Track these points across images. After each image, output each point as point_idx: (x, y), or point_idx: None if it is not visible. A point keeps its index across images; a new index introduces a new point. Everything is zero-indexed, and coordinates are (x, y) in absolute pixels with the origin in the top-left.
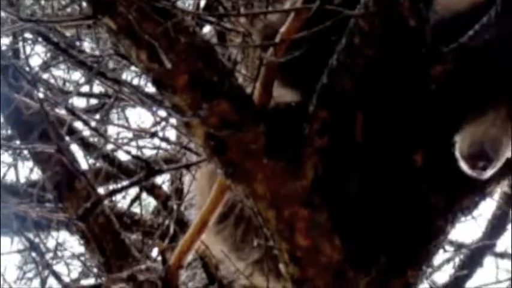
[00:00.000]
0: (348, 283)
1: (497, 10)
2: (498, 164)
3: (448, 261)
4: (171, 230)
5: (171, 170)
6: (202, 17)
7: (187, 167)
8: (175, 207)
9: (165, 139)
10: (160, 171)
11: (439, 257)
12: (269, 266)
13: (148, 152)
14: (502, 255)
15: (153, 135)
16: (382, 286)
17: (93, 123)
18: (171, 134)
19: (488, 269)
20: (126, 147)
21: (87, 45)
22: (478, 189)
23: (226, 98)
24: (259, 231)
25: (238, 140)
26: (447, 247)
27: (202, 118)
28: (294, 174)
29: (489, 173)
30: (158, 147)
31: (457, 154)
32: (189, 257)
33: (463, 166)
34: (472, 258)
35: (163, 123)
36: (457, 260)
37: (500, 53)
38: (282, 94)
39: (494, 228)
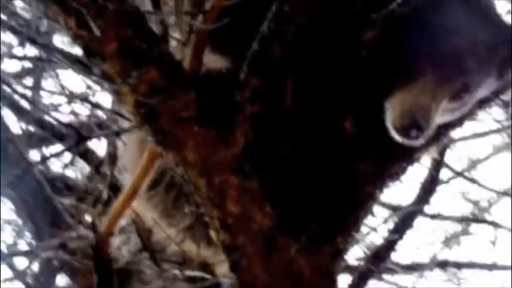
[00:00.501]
0: (278, 250)
1: None
2: (429, 132)
3: (383, 222)
4: (104, 196)
5: (100, 136)
6: None
7: (118, 133)
8: (108, 172)
9: (96, 104)
10: (89, 138)
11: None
12: (200, 233)
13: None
14: (433, 216)
15: (85, 100)
16: (312, 252)
17: (22, 88)
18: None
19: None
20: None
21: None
22: (407, 156)
23: (155, 65)
24: (190, 198)
25: (168, 108)
26: (380, 210)
27: (132, 86)
28: (224, 141)
29: (420, 141)
30: (91, 113)
31: (388, 124)
32: (121, 223)
33: (395, 135)
34: (404, 221)
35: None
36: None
37: (428, 20)
38: (213, 61)
39: (425, 192)
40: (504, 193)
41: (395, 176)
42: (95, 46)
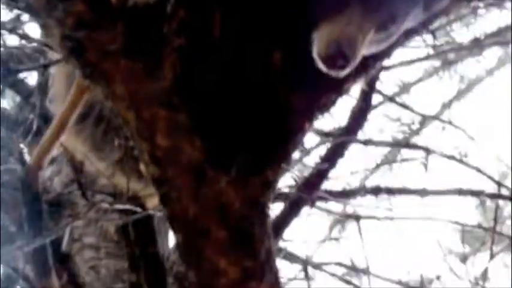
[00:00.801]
0: (208, 182)
1: None
2: (355, 63)
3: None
4: (34, 127)
5: (29, 69)
6: None
7: (46, 66)
8: (38, 103)
9: (24, 36)
10: (18, 71)
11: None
12: (130, 166)
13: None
14: (365, 142)
15: (12, 31)
16: (242, 184)
17: None
18: None
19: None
20: None
21: None
22: (336, 87)
23: None
24: (119, 131)
25: (95, 41)
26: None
27: (58, 19)
28: (152, 74)
29: (346, 71)
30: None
31: (315, 54)
32: (52, 154)
33: (321, 66)
34: (335, 149)
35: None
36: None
37: None
38: None
39: (355, 121)
40: (434, 117)
41: (324, 107)
42: None
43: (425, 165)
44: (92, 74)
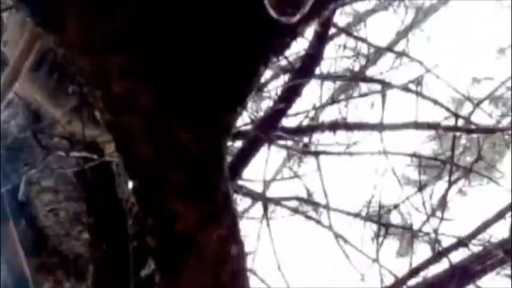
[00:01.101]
0: (163, 128)
1: None
2: (307, 6)
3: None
4: None
5: None
6: None
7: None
8: None
9: None
10: None
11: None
12: (87, 113)
13: None
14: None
15: None
16: (197, 129)
17: None
18: None
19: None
20: None
21: None
22: (289, 31)
23: None
24: (74, 78)
25: None
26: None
27: None
28: (104, 18)
29: (298, 16)
30: None
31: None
32: (3, 105)
33: (272, 12)
34: (292, 89)
35: None
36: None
37: None
38: None
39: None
40: (389, 49)
41: (279, 51)
42: None
43: (383, 99)
44: (43, 22)
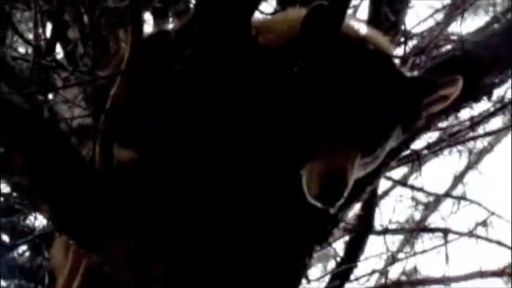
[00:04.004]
0: None
1: None
2: (347, 191)
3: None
4: None
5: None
6: None
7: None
8: None
9: None
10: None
11: None
12: None
13: None
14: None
15: None
16: None
17: None
18: None
19: None
20: None
21: None
22: (329, 218)
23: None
24: None
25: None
26: None
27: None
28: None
29: (340, 202)
30: None
31: (307, 193)
32: None
33: (316, 203)
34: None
35: None
36: None
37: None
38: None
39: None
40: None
41: (322, 240)
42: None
43: (446, 249)
44: (85, 242)
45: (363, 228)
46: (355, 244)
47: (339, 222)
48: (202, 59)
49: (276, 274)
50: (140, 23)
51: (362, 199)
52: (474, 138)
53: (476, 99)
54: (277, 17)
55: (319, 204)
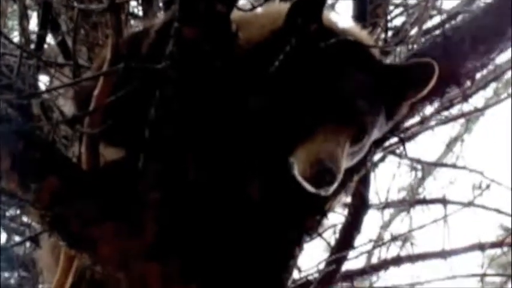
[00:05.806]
0: None
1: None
2: (340, 177)
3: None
4: None
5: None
6: None
7: (32, 238)
8: None
9: None
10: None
11: None
12: None
13: None
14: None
15: None
16: None
17: None
18: None
19: None
20: None
21: None
22: (318, 209)
23: (54, 173)
24: None
25: (74, 212)
26: None
27: (33, 200)
28: (136, 231)
29: (334, 186)
30: None
31: (298, 176)
32: None
33: (308, 186)
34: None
35: None
36: None
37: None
38: (109, 153)
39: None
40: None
41: (311, 230)
42: None
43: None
44: (76, 243)
45: (359, 206)
46: (352, 223)
47: (327, 212)
48: (183, 56)
49: (265, 264)
50: (120, 23)
51: (348, 191)
52: (465, 115)
53: (459, 84)
54: (258, 12)
55: (311, 187)
